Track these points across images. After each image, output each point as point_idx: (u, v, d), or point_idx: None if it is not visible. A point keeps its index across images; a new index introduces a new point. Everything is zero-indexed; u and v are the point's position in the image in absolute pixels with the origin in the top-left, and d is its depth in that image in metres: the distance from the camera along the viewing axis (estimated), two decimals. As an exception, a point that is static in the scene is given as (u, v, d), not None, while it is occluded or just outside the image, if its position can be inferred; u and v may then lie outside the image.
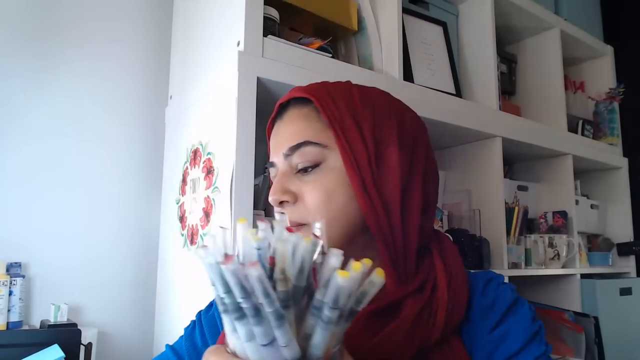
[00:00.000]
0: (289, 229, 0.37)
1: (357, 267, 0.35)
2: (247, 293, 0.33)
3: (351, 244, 0.58)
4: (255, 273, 0.32)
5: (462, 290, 0.58)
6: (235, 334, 0.36)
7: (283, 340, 0.34)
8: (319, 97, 0.60)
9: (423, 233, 0.60)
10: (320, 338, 0.35)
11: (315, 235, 0.37)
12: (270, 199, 0.59)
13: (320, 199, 0.57)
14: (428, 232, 0.62)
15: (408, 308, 0.55)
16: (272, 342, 0.34)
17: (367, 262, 0.36)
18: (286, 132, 0.61)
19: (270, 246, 0.36)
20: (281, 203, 0.58)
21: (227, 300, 0.34)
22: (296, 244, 0.35)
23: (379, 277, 0.36)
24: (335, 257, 0.35)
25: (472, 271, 0.64)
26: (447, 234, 1.24)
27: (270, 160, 0.62)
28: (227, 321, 0.36)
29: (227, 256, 0.34)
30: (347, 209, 0.57)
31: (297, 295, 0.36)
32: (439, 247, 0.62)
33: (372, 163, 0.58)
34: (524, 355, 0.55)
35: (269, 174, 0.65)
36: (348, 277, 0.34)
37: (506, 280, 1.34)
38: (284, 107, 0.64)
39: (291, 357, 0.34)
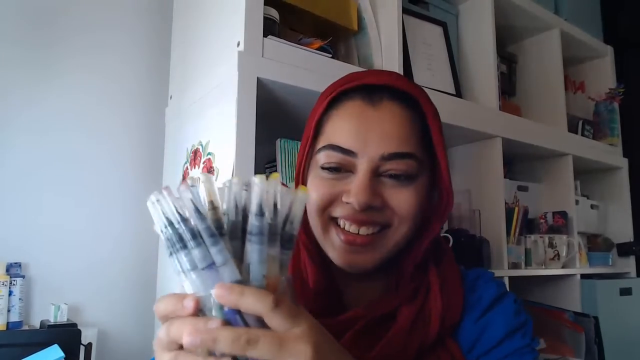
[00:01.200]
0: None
1: (275, 175, 0.39)
2: (183, 218, 0.37)
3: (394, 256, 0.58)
4: (185, 189, 0.37)
5: (456, 293, 0.58)
6: (182, 274, 0.38)
7: (219, 259, 0.36)
8: (432, 109, 0.57)
9: None
10: (256, 256, 0.37)
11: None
12: (356, 199, 0.52)
13: (415, 210, 0.54)
14: None
15: (403, 316, 0.55)
16: (211, 265, 0.37)
17: (276, 176, 0.39)
18: (388, 131, 0.54)
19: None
20: (367, 208, 0.53)
21: (168, 233, 0.37)
22: (230, 183, 0.39)
23: (303, 192, 0.39)
24: (257, 177, 0.39)
25: (462, 269, 0.64)
26: (447, 235, 1.24)
27: (344, 146, 0.54)
28: (175, 264, 0.38)
29: (164, 188, 0.38)
30: (418, 226, 0.57)
31: (234, 231, 0.38)
32: (433, 251, 0.62)
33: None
34: (504, 346, 0.55)
35: (318, 154, 0.56)
36: (262, 177, 0.38)
37: (506, 280, 1.34)
38: (375, 91, 0.56)
39: (230, 278, 0.36)
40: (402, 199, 0.54)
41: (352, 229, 0.54)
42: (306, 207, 0.57)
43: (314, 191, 0.56)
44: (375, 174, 0.54)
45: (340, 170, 0.55)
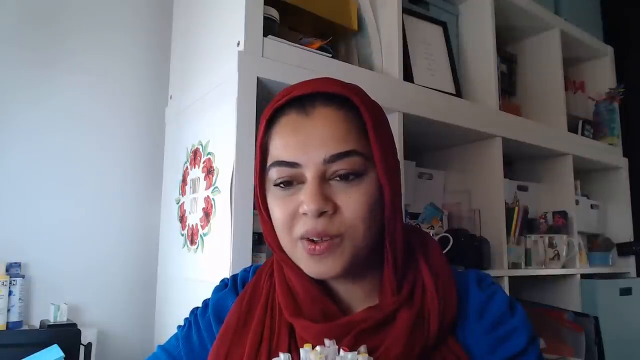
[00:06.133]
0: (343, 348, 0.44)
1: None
2: None
3: (366, 258, 0.58)
4: None
5: (450, 289, 0.59)
6: None
7: None
8: (366, 104, 0.57)
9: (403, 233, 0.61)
10: None
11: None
12: (308, 207, 0.53)
13: (364, 211, 0.54)
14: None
15: (402, 319, 0.55)
16: None
17: None
18: (325, 135, 0.54)
19: None
20: (321, 214, 0.53)
21: None
22: None
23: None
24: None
25: (459, 270, 0.65)
26: (447, 235, 1.24)
27: (288, 160, 0.55)
28: None
29: None
30: (379, 223, 0.57)
31: None
32: (421, 247, 0.62)
33: (397, 177, 0.59)
34: (528, 355, 0.57)
35: (270, 172, 0.57)
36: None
37: (506, 280, 1.34)
38: (307, 100, 0.57)
39: None
40: (351, 200, 0.54)
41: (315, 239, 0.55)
42: (274, 225, 0.58)
43: (277, 209, 0.57)
44: (324, 179, 0.55)
45: (292, 183, 0.56)
